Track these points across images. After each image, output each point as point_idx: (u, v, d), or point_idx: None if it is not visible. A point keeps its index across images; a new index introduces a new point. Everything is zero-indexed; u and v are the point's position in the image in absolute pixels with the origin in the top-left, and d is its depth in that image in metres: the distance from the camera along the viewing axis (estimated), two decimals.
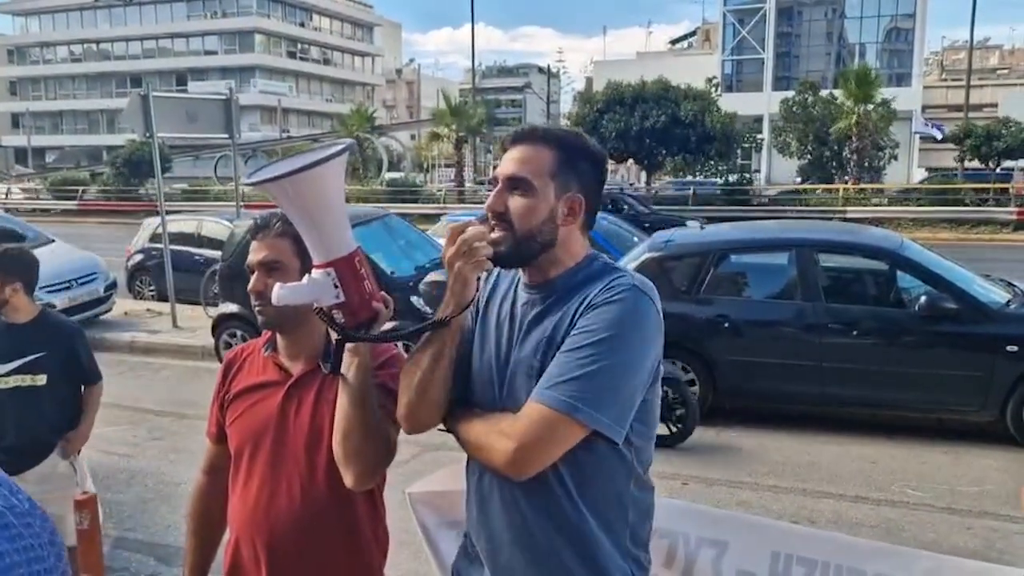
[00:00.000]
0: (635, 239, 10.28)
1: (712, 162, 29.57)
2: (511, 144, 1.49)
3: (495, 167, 1.59)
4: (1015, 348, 5.45)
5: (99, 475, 4.30)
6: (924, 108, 40.66)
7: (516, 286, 1.55)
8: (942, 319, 5.59)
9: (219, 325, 7.85)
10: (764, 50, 43.03)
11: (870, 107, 26.15)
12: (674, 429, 5.56)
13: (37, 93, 66.65)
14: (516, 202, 1.44)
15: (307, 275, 1.45)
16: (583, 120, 28.49)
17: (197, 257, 11.07)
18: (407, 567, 3.10)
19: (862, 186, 26.13)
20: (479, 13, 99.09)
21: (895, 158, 29.27)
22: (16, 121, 64.12)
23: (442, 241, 1.49)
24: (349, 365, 1.51)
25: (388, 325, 1.52)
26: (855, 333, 5.84)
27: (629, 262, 6.29)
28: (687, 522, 2.04)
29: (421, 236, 9.04)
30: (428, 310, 6.80)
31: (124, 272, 11.84)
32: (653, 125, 26.99)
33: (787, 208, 24.06)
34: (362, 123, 33.76)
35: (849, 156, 26.85)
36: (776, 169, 37.47)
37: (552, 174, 1.45)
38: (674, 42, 68.43)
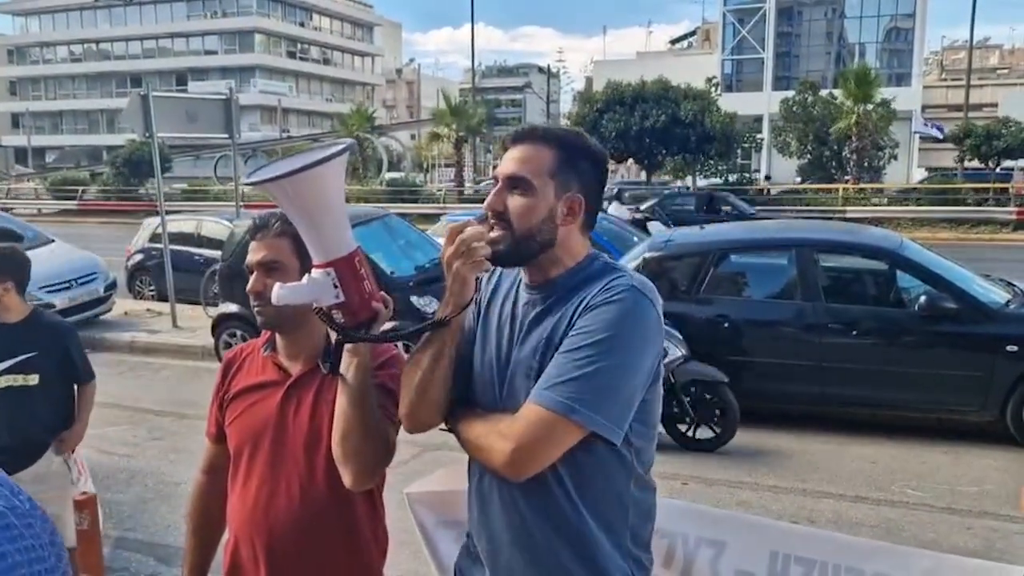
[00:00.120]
0: (635, 239, 10.27)
1: (712, 162, 29.55)
2: (511, 143, 1.49)
3: (495, 167, 1.59)
4: (1015, 348, 5.45)
5: (99, 475, 4.31)
6: (924, 108, 40.66)
7: (517, 286, 1.54)
8: (942, 319, 5.59)
9: (219, 325, 7.85)
10: (764, 50, 43.01)
11: (870, 107, 26.15)
12: (715, 431, 5.50)
13: (37, 93, 66.65)
14: (515, 201, 1.44)
15: (307, 275, 1.45)
16: (583, 120, 28.45)
17: (197, 257, 11.07)
18: (406, 567, 3.10)
19: (862, 186, 26.13)
20: (479, 13, 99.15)
21: (895, 158, 29.28)
22: (16, 121, 64.11)
23: (442, 241, 1.49)
24: (348, 365, 1.51)
25: (388, 325, 1.52)
26: (855, 333, 5.84)
27: (629, 262, 6.28)
28: (686, 522, 2.04)
29: (421, 236, 9.04)
30: (428, 311, 6.81)
31: (124, 272, 11.84)
32: (653, 125, 26.96)
33: (787, 208, 24.07)
34: (362, 123, 33.75)
35: (849, 156, 26.86)
36: (776, 169, 37.45)
37: (552, 174, 1.45)
38: (674, 42, 68.43)
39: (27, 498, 0.70)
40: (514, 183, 1.45)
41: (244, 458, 1.79)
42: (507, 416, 1.41)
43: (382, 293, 1.51)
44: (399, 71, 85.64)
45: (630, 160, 31.81)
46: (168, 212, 10.94)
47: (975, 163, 27.00)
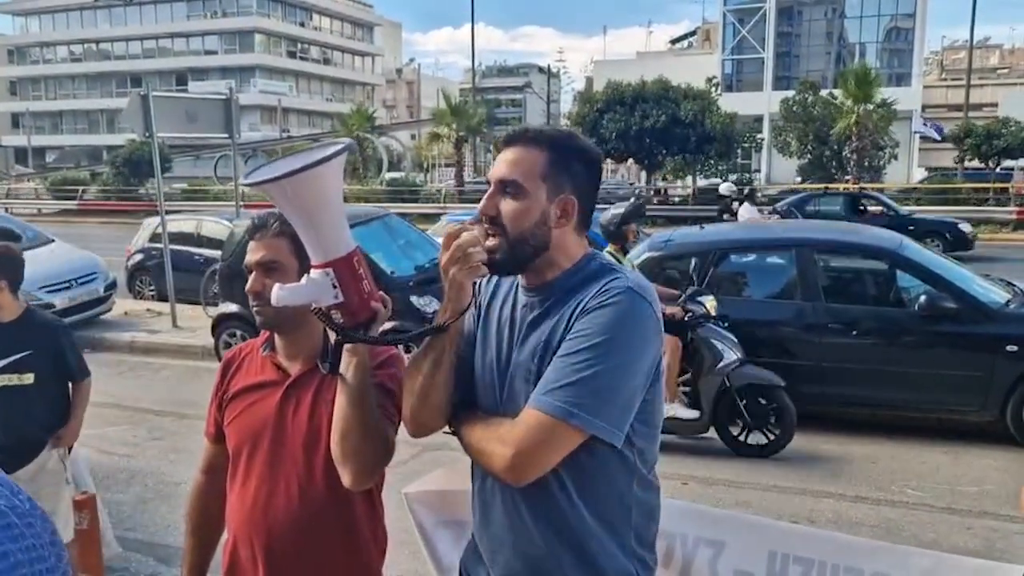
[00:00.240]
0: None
1: (712, 162, 29.56)
2: (504, 146, 1.49)
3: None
4: (1015, 348, 5.45)
5: (99, 475, 4.31)
6: (924, 108, 40.67)
7: (516, 288, 1.54)
8: (942, 319, 5.59)
9: (219, 325, 7.85)
10: (764, 50, 43.02)
11: (870, 107, 26.16)
12: (770, 437, 5.40)
13: (37, 93, 66.65)
14: (508, 205, 1.44)
15: (306, 276, 1.44)
16: (583, 120, 28.48)
17: (197, 257, 11.07)
18: (406, 566, 3.11)
19: (862, 186, 26.13)
20: (479, 13, 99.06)
21: (895, 158, 29.30)
22: (16, 121, 64.11)
23: (441, 241, 1.49)
24: (348, 365, 1.51)
25: (388, 325, 1.52)
26: (855, 333, 5.84)
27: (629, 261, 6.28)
28: (685, 522, 2.04)
29: (421, 236, 9.04)
30: (428, 310, 6.81)
31: (124, 272, 11.84)
32: (653, 125, 26.98)
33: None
34: (362, 123, 33.76)
35: (849, 156, 26.85)
36: (776, 169, 37.47)
37: (543, 176, 1.44)
38: (674, 42, 68.46)
39: (27, 498, 0.70)
40: (506, 186, 1.44)
41: (243, 458, 1.79)
42: (507, 421, 1.41)
43: (381, 293, 1.51)
44: (399, 71, 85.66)
45: (630, 160, 31.81)
46: (168, 212, 10.94)
47: (975, 163, 27.01)
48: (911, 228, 14.84)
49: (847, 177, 26.72)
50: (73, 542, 2.86)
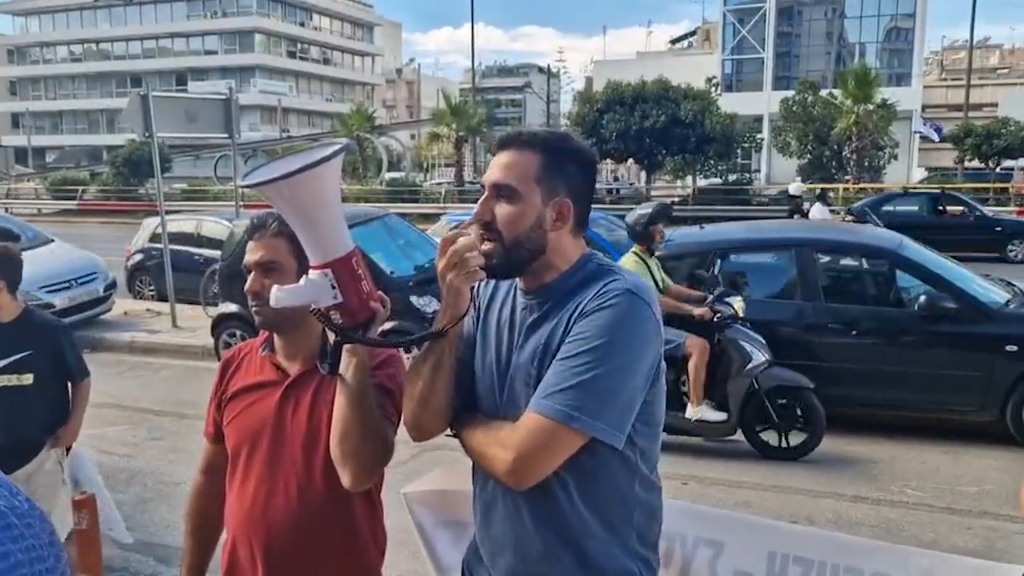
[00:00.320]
0: None
1: (712, 162, 29.57)
2: (498, 149, 1.48)
3: None
4: (1015, 348, 5.45)
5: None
6: (924, 108, 40.70)
7: (515, 290, 1.54)
8: (942, 319, 5.59)
9: (218, 325, 7.85)
10: (764, 50, 43.04)
11: (870, 107, 26.17)
12: (799, 439, 5.32)
13: (37, 93, 66.66)
14: (502, 209, 1.43)
15: (304, 276, 1.44)
16: (583, 120, 28.50)
17: (197, 257, 11.07)
18: (405, 566, 3.11)
19: (862, 186, 26.13)
20: (479, 13, 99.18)
21: (895, 158, 29.29)
22: (16, 121, 64.13)
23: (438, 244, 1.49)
24: (347, 365, 1.51)
25: (387, 325, 1.52)
26: (855, 333, 5.84)
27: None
28: (684, 522, 2.04)
29: (421, 236, 9.04)
30: (428, 310, 6.81)
31: (124, 272, 11.84)
32: (653, 125, 26.99)
33: (787, 208, 23.96)
34: (362, 123, 33.78)
35: (849, 156, 26.87)
36: (776, 169, 37.48)
37: (538, 179, 1.44)
38: (674, 42, 68.52)
39: (25, 498, 0.70)
40: (500, 191, 1.44)
41: (242, 458, 1.79)
42: (508, 424, 1.41)
43: (380, 293, 1.51)
44: (399, 71, 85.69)
45: (630, 160, 31.82)
46: (168, 212, 10.94)
47: (975, 163, 27.02)
48: (998, 229, 14.06)
49: (847, 177, 26.73)
50: (71, 542, 2.86)
